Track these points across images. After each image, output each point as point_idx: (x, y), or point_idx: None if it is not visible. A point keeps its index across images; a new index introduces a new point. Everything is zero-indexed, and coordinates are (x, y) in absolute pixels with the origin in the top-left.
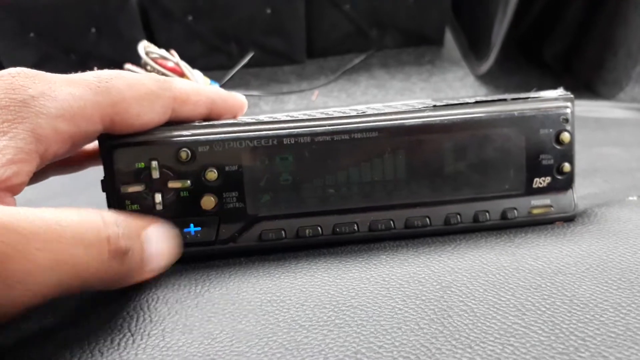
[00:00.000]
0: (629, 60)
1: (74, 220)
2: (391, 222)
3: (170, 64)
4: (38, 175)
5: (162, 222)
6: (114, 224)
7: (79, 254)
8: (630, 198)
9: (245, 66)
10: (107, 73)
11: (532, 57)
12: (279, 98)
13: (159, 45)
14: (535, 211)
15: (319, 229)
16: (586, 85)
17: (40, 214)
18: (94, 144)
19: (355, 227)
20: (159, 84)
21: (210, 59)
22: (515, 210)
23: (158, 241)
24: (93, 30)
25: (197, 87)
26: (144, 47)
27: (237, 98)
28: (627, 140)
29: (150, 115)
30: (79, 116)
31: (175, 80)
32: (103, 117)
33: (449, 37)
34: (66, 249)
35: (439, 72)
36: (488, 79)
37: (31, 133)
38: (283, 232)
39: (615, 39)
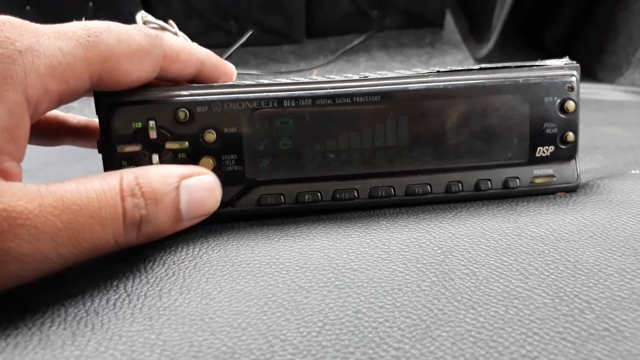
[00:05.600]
0: (629, 45)
1: (92, 198)
2: (392, 189)
3: None
4: None
5: (202, 170)
6: (131, 193)
7: (97, 231)
8: (633, 171)
9: (244, 45)
10: (96, 25)
11: (533, 41)
12: (278, 77)
13: None
14: (537, 181)
15: (319, 194)
16: (586, 70)
17: (62, 190)
18: (77, 122)
19: (355, 194)
20: (149, 39)
21: (208, 37)
22: (517, 180)
23: (197, 190)
24: (90, 4)
25: (188, 46)
26: (142, 16)
27: (227, 65)
28: (628, 121)
29: (138, 72)
30: (68, 73)
31: (167, 36)
32: (91, 74)
33: (449, 20)
34: (83, 228)
35: (439, 55)
36: (488, 63)
37: (22, 95)
38: (282, 197)
39: (617, 23)
